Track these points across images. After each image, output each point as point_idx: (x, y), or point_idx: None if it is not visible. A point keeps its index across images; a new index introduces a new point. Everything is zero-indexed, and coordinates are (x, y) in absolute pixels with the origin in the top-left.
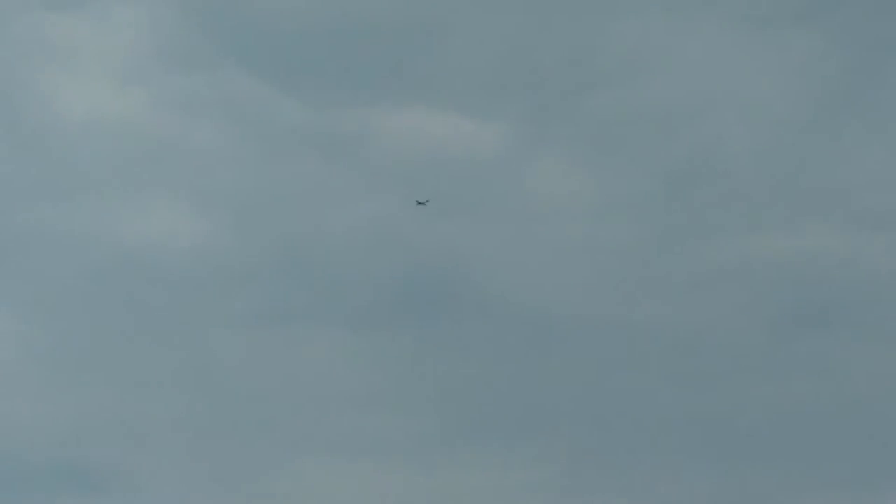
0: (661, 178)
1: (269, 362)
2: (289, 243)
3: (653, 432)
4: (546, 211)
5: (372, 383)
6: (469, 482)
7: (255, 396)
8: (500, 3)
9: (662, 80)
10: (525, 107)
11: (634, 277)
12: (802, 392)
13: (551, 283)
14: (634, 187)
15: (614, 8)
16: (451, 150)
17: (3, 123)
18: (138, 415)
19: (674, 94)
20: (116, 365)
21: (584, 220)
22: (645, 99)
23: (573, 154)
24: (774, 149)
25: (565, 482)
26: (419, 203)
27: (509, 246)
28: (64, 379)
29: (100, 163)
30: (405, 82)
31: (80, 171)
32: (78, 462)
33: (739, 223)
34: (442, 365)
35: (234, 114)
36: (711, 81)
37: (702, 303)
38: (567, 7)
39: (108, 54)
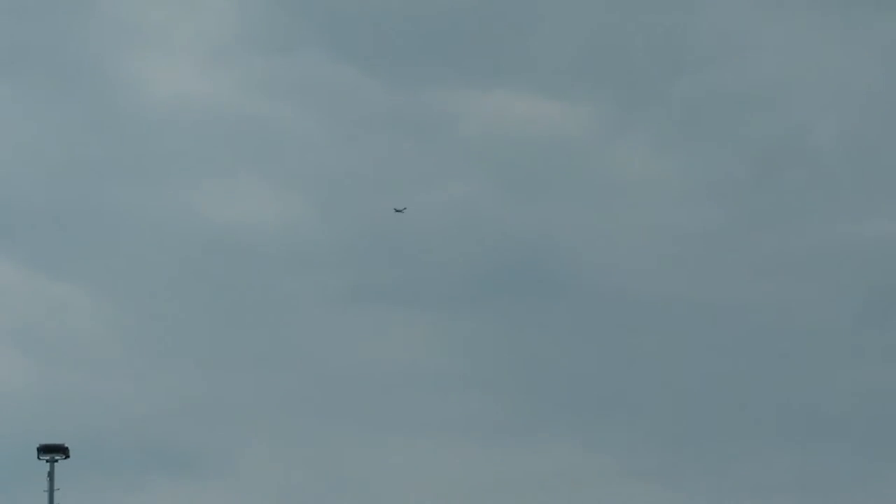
0: (748, 161)
1: (358, 342)
2: (377, 224)
3: (737, 415)
4: (633, 193)
5: (459, 363)
6: (553, 463)
7: (343, 376)
8: None
9: (750, 63)
10: (612, 90)
11: (721, 260)
12: (890, 376)
13: (637, 266)
14: (721, 170)
15: None
16: (539, 132)
17: (94, 106)
18: (228, 394)
19: (761, 77)
20: (206, 345)
21: (671, 203)
22: (732, 82)
23: (660, 137)
24: (862, 132)
25: (649, 464)
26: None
27: (596, 228)
28: (154, 359)
29: (189, 144)
30: (492, 64)
31: (170, 153)
32: (168, 442)
33: (827, 206)
34: (528, 346)
35: (320, 95)
36: (799, 65)
37: (788, 286)
38: None
39: (197, 36)
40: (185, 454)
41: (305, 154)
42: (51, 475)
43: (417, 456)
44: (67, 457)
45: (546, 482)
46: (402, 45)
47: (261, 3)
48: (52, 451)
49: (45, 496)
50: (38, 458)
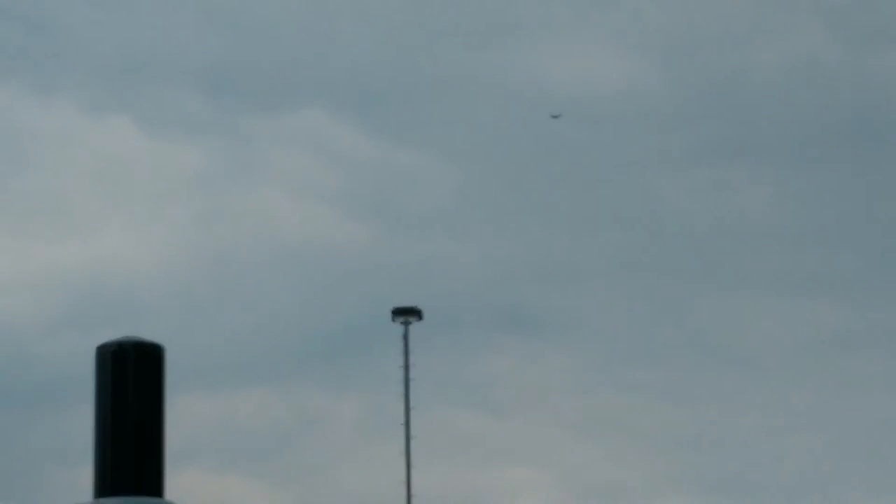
0: None
1: (700, 200)
2: (717, 82)
3: None
4: None
5: (802, 219)
6: None
7: (687, 234)
8: None
9: None
10: None
11: None
12: None
13: None
14: None
15: None
16: None
17: None
18: (572, 255)
19: None
20: (549, 207)
21: None
22: None
23: None
24: None
25: None
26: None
27: None
28: (499, 222)
29: (524, 6)
30: None
31: (505, 16)
32: (515, 304)
33: None
34: (870, 200)
35: None
36: None
37: None
38: None
39: None
40: (531, 315)
41: (648, 15)
42: (405, 337)
43: (766, 312)
44: (420, 319)
45: (891, 335)
46: None
47: None
48: (406, 314)
49: (401, 356)
50: (392, 320)
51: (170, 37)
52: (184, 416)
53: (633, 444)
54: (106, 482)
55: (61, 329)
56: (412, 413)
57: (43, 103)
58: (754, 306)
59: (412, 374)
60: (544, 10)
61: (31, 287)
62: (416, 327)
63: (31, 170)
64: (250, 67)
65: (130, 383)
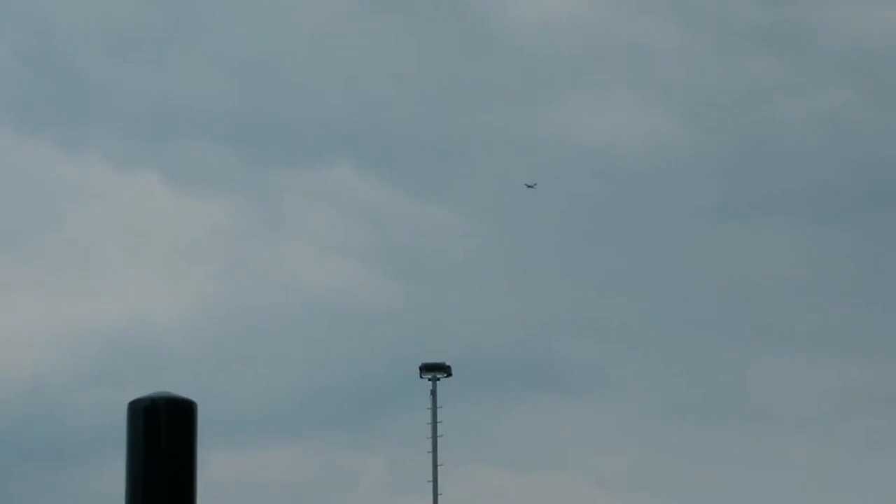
0: None
1: (728, 257)
2: (744, 137)
3: None
4: None
5: (831, 276)
6: None
7: (714, 290)
8: None
9: None
10: None
11: None
12: None
13: None
14: None
15: None
16: None
17: (460, 29)
18: (600, 311)
19: None
20: (577, 262)
21: None
22: None
23: None
24: None
25: None
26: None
27: None
28: (527, 278)
29: (553, 64)
30: None
31: (535, 73)
32: (543, 360)
33: None
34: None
35: (685, 9)
36: None
37: None
38: None
39: None
40: (559, 371)
41: (672, 70)
42: (433, 393)
43: (791, 369)
44: (449, 375)
45: None
46: None
47: None
48: (434, 370)
49: (429, 413)
50: (421, 376)
51: (198, 92)
52: (213, 472)
53: (661, 500)
54: None
55: (91, 383)
56: (440, 469)
57: (72, 158)
58: (783, 363)
59: (440, 430)
60: (573, 67)
61: (60, 341)
62: (444, 383)
63: (60, 224)
64: (277, 123)
65: (163, 439)
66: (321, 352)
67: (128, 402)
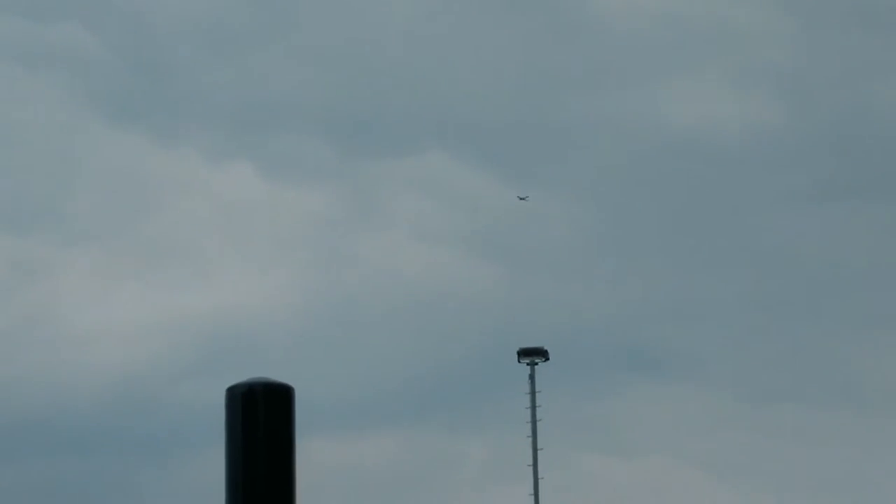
0: None
1: (827, 238)
2: (839, 117)
3: None
4: None
5: None
6: None
7: (815, 272)
8: None
9: None
10: None
11: None
12: None
13: None
14: None
15: None
16: None
17: (551, 15)
18: (698, 294)
19: None
20: (675, 246)
21: None
22: None
23: None
24: None
25: None
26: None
27: None
28: (625, 261)
29: (645, 49)
30: None
31: (627, 58)
32: (640, 342)
33: None
34: None
35: None
36: None
37: None
38: None
39: None
40: (657, 354)
41: (760, 51)
42: (532, 377)
43: (890, 352)
44: (547, 359)
45: None
46: None
47: None
48: (532, 355)
49: (527, 398)
50: (519, 361)
51: (291, 83)
52: (311, 460)
53: (762, 485)
54: None
55: (190, 374)
56: (539, 454)
57: (167, 151)
58: (887, 344)
59: (539, 414)
60: (666, 52)
61: (159, 333)
62: (542, 368)
63: (156, 216)
64: (372, 112)
65: (261, 424)
66: (418, 338)
67: (225, 388)
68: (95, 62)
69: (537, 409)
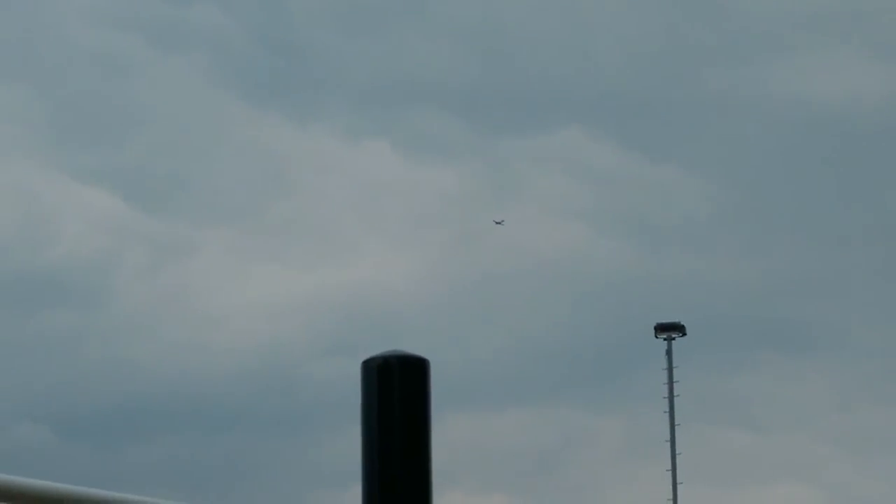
0: None
1: None
2: None
3: None
4: None
5: None
6: None
7: None
8: None
9: None
10: None
11: None
12: None
13: None
14: None
15: None
16: None
17: None
18: (835, 269)
19: None
20: (812, 221)
21: None
22: None
23: None
24: None
25: None
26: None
27: None
28: (762, 236)
29: (782, 23)
30: None
31: (764, 32)
32: (776, 319)
33: None
34: None
35: None
36: None
37: None
38: None
39: None
40: (794, 331)
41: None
42: (669, 352)
43: None
44: (684, 334)
45: None
46: None
47: None
48: (669, 330)
49: (664, 373)
50: (656, 336)
51: (426, 61)
52: (449, 433)
53: None
54: (374, 501)
55: (328, 351)
56: (677, 429)
57: (303, 130)
58: None
59: (676, 389)
60: (804, 26)
61: (297, 311)
62: (679, 343)
63: (293, 195)
64: (506, 90)
65: (396, 397)
66: (554, 314)
67: (361, 362)
68: (233, 43)
69: (675, 384)
